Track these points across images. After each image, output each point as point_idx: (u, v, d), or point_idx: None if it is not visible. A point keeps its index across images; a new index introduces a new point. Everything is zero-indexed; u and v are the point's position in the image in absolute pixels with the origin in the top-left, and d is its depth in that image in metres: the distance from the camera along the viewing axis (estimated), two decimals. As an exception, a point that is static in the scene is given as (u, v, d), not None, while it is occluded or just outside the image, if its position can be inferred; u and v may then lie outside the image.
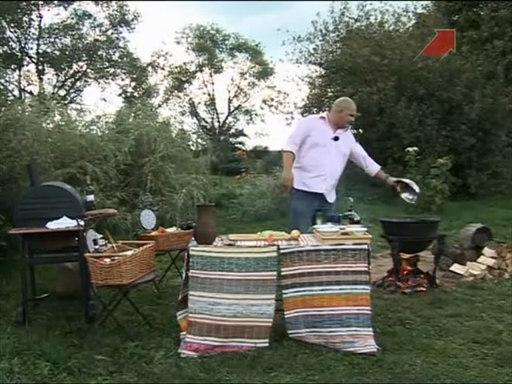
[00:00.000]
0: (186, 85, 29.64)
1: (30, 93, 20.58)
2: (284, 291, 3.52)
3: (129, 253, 3.78)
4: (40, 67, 22.32)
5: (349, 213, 4.06)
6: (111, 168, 7.31)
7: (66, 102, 17.69)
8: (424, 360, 3.22)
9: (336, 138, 4.51)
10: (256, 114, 30.28)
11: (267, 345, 3.42)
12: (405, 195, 4.73)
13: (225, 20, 47.89)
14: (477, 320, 3.99)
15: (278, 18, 37.16)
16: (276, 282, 3.52)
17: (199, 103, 30.25)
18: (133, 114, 9.30)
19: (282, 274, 3.53)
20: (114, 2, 22.43)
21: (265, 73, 29.20)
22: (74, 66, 22.74)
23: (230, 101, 30.28)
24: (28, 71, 22.60)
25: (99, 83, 23.44)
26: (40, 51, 22.03)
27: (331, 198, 4.59)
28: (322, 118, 4.63)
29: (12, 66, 21.05)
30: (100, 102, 22.48)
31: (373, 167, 4.76)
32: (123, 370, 3.15)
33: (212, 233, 3.66)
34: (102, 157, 7.37)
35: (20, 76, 21.67)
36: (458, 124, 11.48)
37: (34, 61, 22.19)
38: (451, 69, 11.71)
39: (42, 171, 5.31)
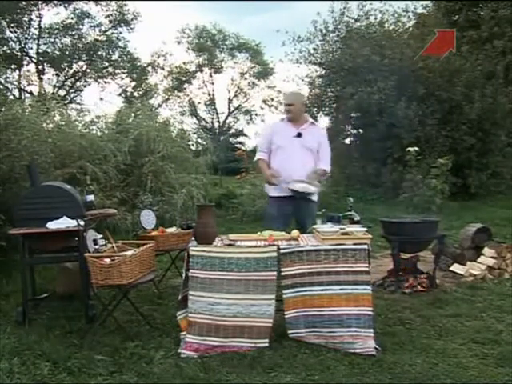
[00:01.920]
0: (186, 85, 29.62)
1: (30, 93, 20.57)
2: (284, 291, 3.52)
3: (129, 253, 3.78)
4: (40, 67, 22.29)
5: (349, 213, 4.05)
6: (111, 168, 7.31)
7: (66, 102, 17.68)
8: (424, 360, 3.23)
9: (299, 135, 4.49)
10: (256, 114, 30.27)
11: (267, 345, 3.42)
12: (298, 185, 4.39)
13: (224, 20, 47.94)
14: (477, 320, 3.99)
15: (278, 18, 37.16)
16: (276, 282, 3.52)
17: (199, 103, 30.22)
18: (133, 114, 9.30)
19: (282, 274, 3.53)
20: (113, 2, 22.40)
21: (265, 73, 29.18)
22: (74, 66, 22.73)
23: (230, 101, 30.27)
24: (28, 71, 22.59)
25: (99, 83, 23.43)
26: (40, 51, 22.00)
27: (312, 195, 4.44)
28: (282, 119, 4.67)
29: (12, 66, 21.03)
30: (99, 101, 22.40)
31: (320, 162, 4.54)
32: (123, 369, 3.15)
33: (212, 233, 3.66)
34: (101, 157, 7.37)
35: (20, 76, 21.65)
36: (458, 124, 11.50)
37: (34, 61, 22.17)
38: (451, 69, 11.72)
39: (41, 171, 5.31)
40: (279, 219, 4.38)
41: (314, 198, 4.50)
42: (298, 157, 4.45)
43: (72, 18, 22.02)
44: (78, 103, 21.81)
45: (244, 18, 43.83)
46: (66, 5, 21.54)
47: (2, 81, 17.24)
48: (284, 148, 4.49)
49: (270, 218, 4.52)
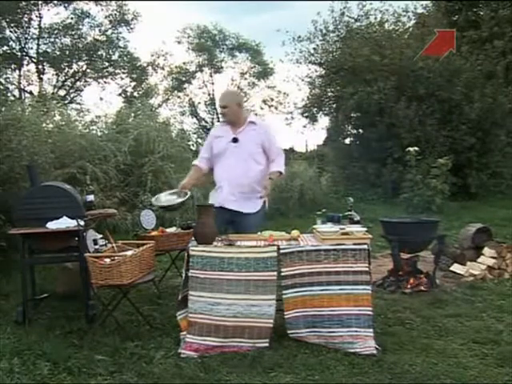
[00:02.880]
0: (186, 85, 29.60)
1: (30, 93, 20.54)
2: (284, 291, 3.52)
3: (129, 253, 3.78)
4: (40, 67, 22.30)
5: (349, 213, 4.05)
6: (111, 168, 7.31)
7: (66, 102, 17.69)
8: (424, 360, 3.22)
9: (234, 140, 4.06)
10: (256, 114, 30.21)
11: (267, 345, 3.42)
12: (163, 199, 4.13)
13: (224, 20, 47.90)
14: (477, 320, 3.99)
15: (278, 18, 37.09)
16: (276, 282, 3.52)
17: (199, 103, 30.19)
18: (133, 114, 9.30)
19: (282, 274, 3.52)
20: (113, 2, 22.40)
21: (265, 73, 29.14)
22: (74, 66, 22.72)
23: (230, 101, 30.23)
24: (28, 71, 22.58)
25: (99, 83, 23.42)
26: (40, 51, 22.00)
27: (245, 207, 4.07)
28: (223, 122, 4.26)
29: (12, 66, 21.04)
30: (99, 101, 22.40)
31: (272, 165, 4.14)
32: (123, 369, 3.15)
33: (212, 233, 3.66)
34: (101, 157, 7.38)
35: (20, 76, 21.65)
36: (458, 124, 11.51)
37: (34, 61, 22.16)
38: (451, 69, 11.72)
39: (41, 171, 5.31)
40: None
41: (252, 209, 4.08)
42: (237, 165, 4.03)
43: (72, 18, 22.01)
44: (78, 103, 21.80)
45: (244, 17, 43.80)
46: (66, 5, 21.53)
47: (3, 81, 17.26)
48: (221, 156, 4.10)
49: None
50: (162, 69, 27.77)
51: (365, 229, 3.73)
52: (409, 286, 4.84)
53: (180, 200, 4.05)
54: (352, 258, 3.52)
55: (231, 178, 4.06)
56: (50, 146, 6.45)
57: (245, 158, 4.05)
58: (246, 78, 29.81)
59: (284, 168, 4.19)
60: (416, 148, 9.37)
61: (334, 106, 14.56)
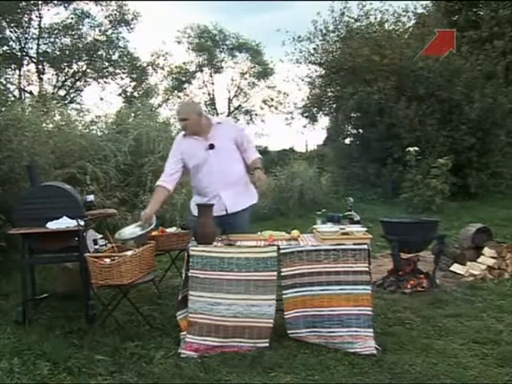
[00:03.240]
0: (186, 85, 29.62)
1: (30, 93, 20.55)
2: (284, 291, 3.52)
3: (129, 253, 3.78)
4: (40, 67, 22.31)
5: (349, 213, 4.05)
6: (111, 168, 7.31)
7: (66, 102, 17.69)
8: (424, 360, 3.22)
9: (211, 146, 3.97)
10: (256, 114, 30.22)
11: (267, 345, 3.42)
12: (127, 232, 4.01)
13: (224, 20, 47.95)
14: (477, 320, 3.99)
15: (278, 18, 37.12)
16: (276, 282, 3.52)
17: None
18: (133, 114, 9.30)
19: (282, 274, 3.52)
20: (113, 2, 22.42)
21: (265, 73, 29.15)
22: (74, 66, 22.74)
23: (230, 101, 30.25)
24: (28, 71, 22.61)
25: (99, 83, 23.44)
26: (40, 51, 22.02)
27: (235, 206, 4.01)
28: (185, 135, 4.12)
29: (12, 66, 21.05)
30: (99, 101, 22.41)
31: (248, 154, 4.09)
32: (123, 369, 3.15)
33: (212, 233, 3.66)
34: (101, 157, 7.37)
35: (20, 76, 21.66)
36: (458, 124, 11.50)
37: (34, 61, 22.18)
38: (451, 69, 11.72)
39: (42, 172, 5.31)
40: None
41: (247, 203, 4.03)
42: (223, 168, 3.97)
43: (72, 18, 22.03)
44: (78, 103, 21.81)
45: (244, 17, 43.82)
46: (66, 5, 21.56)
47: (3, 81, 17.24)
48: (202, 166, 3.99)
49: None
50: (162, 69, 27.78)
51: (365, 229, 3.73)
52: (409, 286, 4.84)
53: (142, 232, 3.92)
54: (352, 257, 3.52)
55: (226, 182, 3.98)
56: (50, 147, 6.45)
57: (227, 159, 4.01)
58: (246, 78, 29.83)
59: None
60: (416, 148, 9.38)
61: (334, 106, 14.58)
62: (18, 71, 21.67)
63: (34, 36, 21.74)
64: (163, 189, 4.06)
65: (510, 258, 5.34)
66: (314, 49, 14.71)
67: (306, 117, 16.70)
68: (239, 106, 30.57)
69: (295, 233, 3.86)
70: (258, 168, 3.97)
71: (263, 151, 27.34)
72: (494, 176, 12.02)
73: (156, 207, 4.03)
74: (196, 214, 3.81)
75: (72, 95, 23.08)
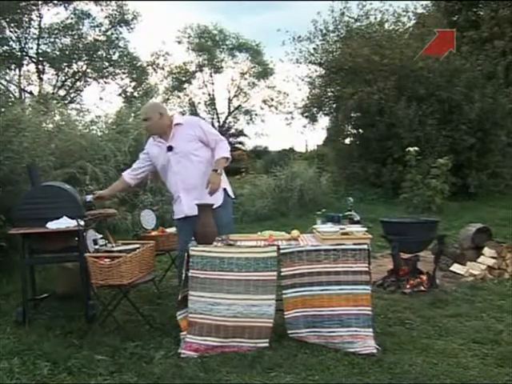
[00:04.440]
0: (186, 85, 29.62)
1: (30, 93, 20.56)
2: (284, 291, 3.52)
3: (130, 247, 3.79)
4: (40, 67, 22.31)
5: (349, 213, 4.06)
6: (111, 168, 7.31)
7: (66, 102, 17.68)
8: (424, 360, 3.22)
9: (169, 148, 3.94)
10: (256, 114, 30.24)
11: (267, 345, 3.42)
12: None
13: (224, 20, 47.98)
14: (477, 320, 3.99)
15: (278, 18, 37.19)
16: (276, 282, 3.52)
17: (199, 103, 30.19)
18: (133, 114, 9.30)
19: (282, 274, 3.52)
20: (113, 2, 22.41)
21: (265, 73, 29.16)
22: (74, 66, 22.74)
23: (230, 101, 30.26)
24: (28, 71, 22.61)
25: (99, 83, 23.44)
26: (40, 51, 22.02)
27: (191, 210, 3.84)
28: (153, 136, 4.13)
29: (12, 66, 21.05)
30: (99, 101, 22.41)
31: (215, 153, 3.95)
32: (123, 369, 3.15)
33: (212, 233, 3.66)
34: (101, 157, 7.37)
35: (20, 76, 21.66)
36: (458, 124, 11.50)
37: (34, 61, 22.18)
38: (451, 69, 11.73)
39: (42, 172, 5.31)
40: (188, 239, 3.80)
41: (214, 201, 3.82)
42: (182, 171, 3.93)
43: (72, 18, 22.03)
44: (78, 103, 21.82)
45: (244, 17, 43.85)
46: (66, 5, 21.56)
47: (3, 81, 17.26)
48: (166, 168, 4.00)
49: (181, 242, 4.07)
50: (162, 69, 27.82)
51: (365, 229, 3.73)
52: (409, 286, 4.84)
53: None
54: (352, 257, 3.52)
55: (185, 185, 3.96)
56: (50, 148, 6.45)
57: (185, 162, 3.93)
58: (246, 78, 29.84)
59: (229, 151, 3.99)
60: (416, 148, 9.38)
61: (334, 106, 14.58)
62: (18, 71, 21.69)
63: (34, 36, 21.75)
64: (124, 180, 4.28)
65: (510, 257, 5.34)
66: (314, 49, 14.73)
67: (306, 117, 16.70)
68: (239, 106, 30.58)
69: (295, 233, 3.86)
70: (214, 170, 3.83)
71: (263, 151, 27.44)
72: (494, 176, 12.02)
73: (109, 193, 4.39)
74: (174, 218, 4.09)
75: (72, 95, 23.08)
